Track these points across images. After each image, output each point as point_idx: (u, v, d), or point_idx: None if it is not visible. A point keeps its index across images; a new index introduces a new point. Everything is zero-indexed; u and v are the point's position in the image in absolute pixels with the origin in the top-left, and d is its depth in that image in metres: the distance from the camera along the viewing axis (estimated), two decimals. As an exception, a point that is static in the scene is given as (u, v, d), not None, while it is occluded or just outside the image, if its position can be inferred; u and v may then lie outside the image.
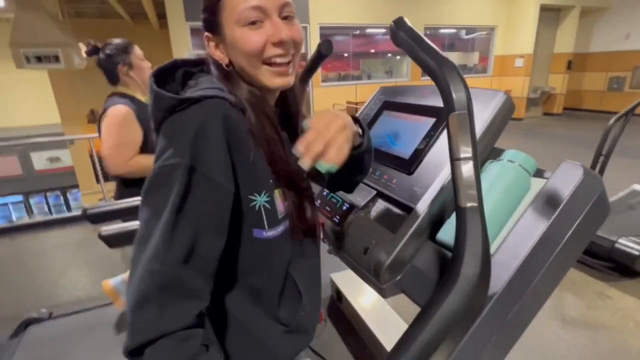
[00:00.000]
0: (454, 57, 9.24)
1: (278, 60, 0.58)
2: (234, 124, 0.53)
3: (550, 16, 8.74)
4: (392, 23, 0.55)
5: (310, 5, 6.81)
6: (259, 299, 0.61)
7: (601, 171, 3.03)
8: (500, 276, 0.49)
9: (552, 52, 9.24)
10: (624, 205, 3.11)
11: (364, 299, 1.98)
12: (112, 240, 0.98)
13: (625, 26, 8.83)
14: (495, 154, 0.66)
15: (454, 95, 0.45)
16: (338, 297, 2.18)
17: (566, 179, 0.50)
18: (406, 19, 0.54)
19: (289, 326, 0.63)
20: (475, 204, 0.45)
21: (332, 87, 7.63)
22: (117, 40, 1.56)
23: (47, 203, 9.84)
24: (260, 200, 0.56)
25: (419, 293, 0.58)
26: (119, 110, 1.46)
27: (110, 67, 1.53)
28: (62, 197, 9.95)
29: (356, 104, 7.05)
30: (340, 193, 0.83)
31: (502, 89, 6.06)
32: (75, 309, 1.91)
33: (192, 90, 0.56)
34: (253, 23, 0.56)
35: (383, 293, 0.64)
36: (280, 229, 0.60)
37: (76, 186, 8.53)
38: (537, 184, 0.58)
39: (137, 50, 1.59)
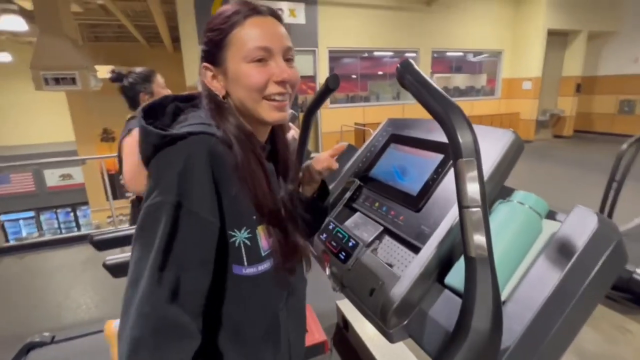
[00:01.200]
0: (461, 79, 9.34)
1: (278, 97, 0.61)
2: (219, 159, 0.54)
3: (557, 40, 8.82)
4: (398, 65, 0.56)
5: (320, 30, 7.00)
6: (239, 339, 0.60)
7: (615, 197, 2.96)
8: (513, 329, 0.46)
9: (560, 75, 9.27)
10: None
11: (371, 327, 1.92)
12: (117, 270, 0.98)
13: (634, 50, 8.85)
14: (505, 193, 0.64)
15: (460, 141, 0.45)
16: (344, 325, 2.12)
17: (580, 226, 0.48)
18: (412, 62, 0.55)
19: None
20: (485, 254, 0.43)
21: (340, 109, 7.72)
22: (140, 69, 1.62)
23: (57, 219, 9.98)
24: (240, 236, 0.56)
25: (427, 340, 0.56)
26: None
27: (132, 95, 1.59)
28: (72, 214, 10.08)
29: (364, 125, 7.10)
30: (346, 227, 0.81)
31: (511, 111, 6.09)
32: (78, 333, 1.89)
33: (180, 125, 0.57)
34: (259, 61, 0.58)
35: (390, 338, 0.62)
36: (262, 267, 0.59)
37: (86, 203, 8.65)
38: (549, 227, 0.56)
39: (159, 79, 1.65)
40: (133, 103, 1.61)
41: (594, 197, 3.02)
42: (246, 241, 0.57)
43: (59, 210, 9.93)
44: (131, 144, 1.49)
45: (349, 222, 0.83)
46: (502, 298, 0.52)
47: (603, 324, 2.23)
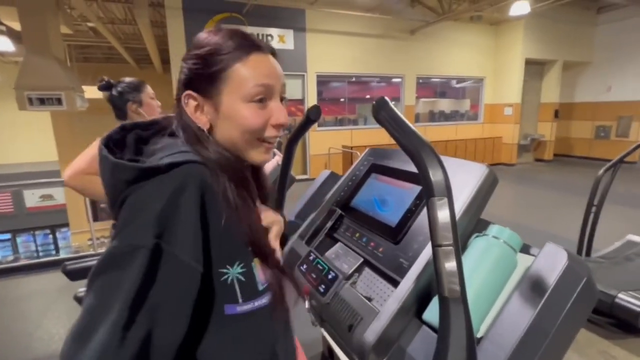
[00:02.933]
0: (446, 103, 9.64)
1: (272, 140, 0.59)
2: (209, 191, 0.49)
3: (535, 69, 9.27)
4: (374, 102, 0.57)
5: (308, 55, 7.19)
6: None
7: (594, 221, 3.04)
8: (490, 368, 0.46)
9: (539, 102, 9.68)
10: (620, 256, 3.07)
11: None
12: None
13: (607, 79, 9.35)
14: (481, 226, 0.65)
15: (432, 180, 0.46)
16: (330, 354, 2.06)
17: (551, 263, 0.49)
18: (387, 99, 0.56)
19: None
20: (458, 294, 0.43)
21: (328, 132, 7.83)
22: (130, 79, 1.61)
23: (35, 242, 9.58)
24: (232, 272, 0.51)
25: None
26: None
27: (120, 104, 1.57)
28: (51, 236, 9.71)
29: (351, 148, 7.19)
30: (326, 258, 0.81)
31: (493, 135, 6.29)
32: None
33: (155, 157, 0.51)
34: (260, 101, 0.55)
35: (368, 376, 0.60)
36: (259, 302, 0.54)
37: (66, 225, 8.37)
38: (523, 261, 0.57)
39: (149, 90, 1.63)
40: (121, 113, 1.59)
41: (575, 219, 3.09)
42: (240, 277, 0.52)
43: (37, 232, 9.55)
44: (94, 147, 1.45)
45: (329, 253, 0.83)
46: (479, 335, 0.52)
47: (588, 350, 2.22)
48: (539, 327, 0.46)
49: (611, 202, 3.34)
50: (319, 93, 7.72)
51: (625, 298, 2.26)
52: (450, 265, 0.43)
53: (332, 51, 7.43)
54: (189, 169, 0.49)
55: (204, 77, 0.55)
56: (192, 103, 0.57)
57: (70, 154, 7.34)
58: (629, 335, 2.27)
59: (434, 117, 9.35)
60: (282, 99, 0.59)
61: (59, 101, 4.49)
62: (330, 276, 0.74)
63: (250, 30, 7.13)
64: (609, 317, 2.35)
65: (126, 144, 0.56)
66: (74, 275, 1.08)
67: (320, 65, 7.36)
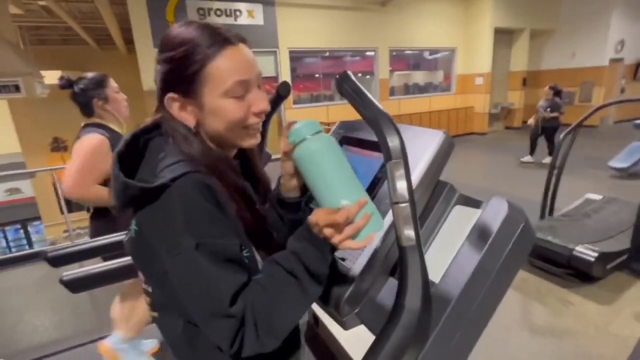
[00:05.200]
0: (420, 75, 9.72)
1: (256, 126, 0.63)
2: (212, 189, 0.54)
3: (504, 38, 9.43)
4: (337, 76, 0.61)
5: (279, 31, 7.01)
6: None
7: (556, 183, 3.25)
8: (443, 306, 0.53)
9: (508, 71, 9.92)
10: (579, 213, 3.32)
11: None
12: (75, 285, 0.96)
13: (571, 46, 9.66)
14: (439, 187, 0.72)
15: (390, 145, 0.51)
16: (315, 321, 2.18)
17: (494, 213, 0.56)
18: (350, 73, 0.60)
19: None
20: (414, 243, 0.49)
21: (304, 109, 7.77)
22: (91, 75, 1.55)
23: (6, 238, 9.20)
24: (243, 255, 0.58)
25: (376, 324, 0.62)
26: (96, 138, 1.46)
27: (84, 101, 1.52)
28: (22, 231, 9.34)
29: (328, 124, 7.20)
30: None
31: (465, 105, 6.44)
32: (35, 356, 1.80)
33: (159, 169, 0.55)
34: (238, 95, 0.58)
35: (344, 325, 0.67)
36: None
37: (38, 218, 8.06)
38: (475, 216, 0.64)
39: (113, 83, 1.58)
40: (87, 110, 1.54)
41: (541, 183, 3.29)
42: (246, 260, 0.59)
43: (7, 228, 9.16)
44: (79, 148, 1.43)
45: (305, 222, 0.88)
46: (437, 280, 0.59)
47: (549, 299, 2.45)
48: (483, 269, 0.53)
49: (573, 165, 3.57)
50: (293, 70, 7.59)
51: (581, 250, 2.49)
52: (406, 219, 0.49)
53: (304, 25, 7.26)
54: (189, 179, 0.53)
55: (182, 79, 0.57)
56: (175, 104, 0.60)
57: (34, 145, 6.96)
58: (584, 283, 2.52)
59: (409, 89, 9.43)
60: (259, 87, 0.62)
61: (16, 88, 4.22)
62: (306, 242, 0.79)
63: (217, 5, 6.84)
64: (568, 269, 2.58)
65: (139, 151, 0.61)
66: (56, 261, 1.09)
67: (292, 40, 7.20)
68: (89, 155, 1.42)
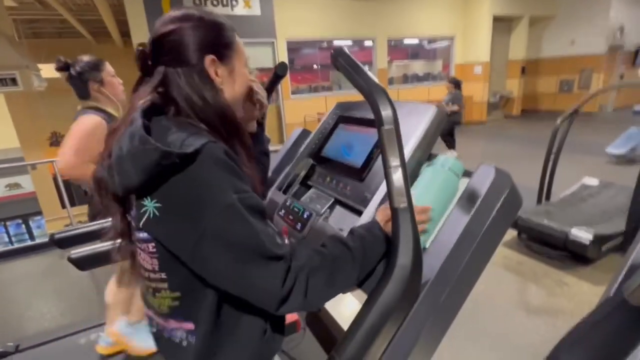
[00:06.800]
0: (419, 65, 9.67)
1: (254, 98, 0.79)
2: (230, 153, 0.59)
3: (502, 26, 9.35)
4: (332, 50, 0.64)
5: (277, 21, 6.95)
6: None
7: (553, 168, 3.28)
8: (433, 265, 0.56)
9: (507, 59, 9.86)
10: (575, 198, 3.36)
11: (342, 306, 2.03)
12: (82, 263, 0.99)
13: (570, 33, 9.60)
14: (433, 158, 0.75)
15: (382, 114, 0.54)
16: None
17: (482, 179, 0.59)
18: (345, 49, 0.63)
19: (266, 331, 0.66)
20: (406, 205, 0.53)
21: (301, 100, 7.76)
22: (87, 58, 1.56)
23: (8, 233, 9.26)
24: None
25: (372, 286, 0.65)
26: (93, 118, 1.47)
27: (80, 84, 1.53)
28: (24, 226, 9.39)
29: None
30: (302, 202, 0.89)
31: (464, 95, 6.27)
32: (43, 340, 1.85)
33: (179, 141, 0.56)
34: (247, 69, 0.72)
35: (341, 290, 0.70)
36: None
37: (39, 213, 8.09)
38: (464, 184, 0.67)
39: (108, 67, 1.60)
40: (83, 93, 1.56)
41: (539, 170, 3.32)
42: None
43: (8, 223, 9.21)
44: (76, 128, 1.44)
45: (304, 198, 0.91)
46: (427, 244, 0.62)
47: (544, 280, 2.50)
48: (471, 230, 0.56)
49: (571, 151, 3.59)
50: (291, 61, 7.55)
51: (576, 233, 2.53)
52: (398, 182, 0.52)
53: (301, 15, 7.20)
54: (210, 146, 0.57)
55: (222, 45, 0.67)
56: (212, 67, 0.66)
57: (33, 139, 6.94)
58: (579, 265, 2.57)
59: (407, 79, 9.40)
60: None
61: (13, 81, 4.21)
62: (305, 215, 0.83)
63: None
64: (564, 251, 2.63)
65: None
66: (62, 243, 1.13)
67: (290, 30, 7.15)
68: (85, 134, 1.43)
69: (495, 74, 9.64)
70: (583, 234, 2.49)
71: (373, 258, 0.61)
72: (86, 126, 1.45)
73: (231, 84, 0.69)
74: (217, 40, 0.67)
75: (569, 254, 2.61)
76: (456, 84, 5.88)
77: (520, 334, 2.01)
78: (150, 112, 0.62)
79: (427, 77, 9.68)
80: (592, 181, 3.62)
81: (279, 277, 0.54)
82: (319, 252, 0.60)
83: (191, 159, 0.54)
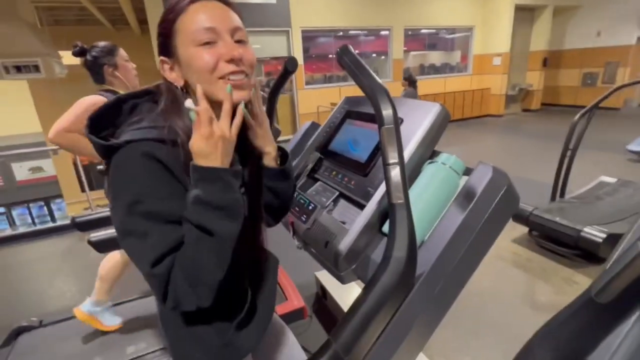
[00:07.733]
0: (437, 56, 9.46)
1: (232, 76, 0.60)
2: (162, 158, 0.57)
3: (524, 15, 9.03)
4: (338, 49, 0.65)
5: (292, 10, 6.90)
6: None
7: (569, 164, 3.21)
8: (429, 259, 0.59)
9: (528, 50, 9.54)
10: (591, 196, 3.29)
11: (347, 294, 2.08)
12: (101, 245, 1.06)
13: (596, 24, 9.20)
14: (435, 155, 0.76)
15: (383, 113, 0.56)
16: (323, 294, 2.28)
17: (480, 177, 0.61)
18: (351, 47, 0.65)
19: (223, 340, 0.66)
20: (402, 201, 0.55)
21: (316, 90, 7.73)
22: (102, 43, 1.66)
23: (31, 214, 9.66)
24: None
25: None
26: (93, 97, 1.55)
27: (96, 68, 1.63)
28: (45, 208, 9.77)
29: (340, 105, 7.15)
30: (308, 195, 0.92)
31: (481, 87, 6.16)
32: (64, 317, 1.96)
33: (129, 129, 0.60)
34: (207, 43, 0.59)
35: (342, 280, 0.74)
36: None
37: (60, 196, 8.40)
38: (463, 181, 0.69)
39: (122, 52, 1.70)
40: (98, 77, 1.66)
41: (554, 166, 3.26)
42: None
43: (31, 205, 9.59)
44: (78, 102, 1.52)
45: (310, 190, 0.94)
46: (424, 238, 0.65)
47: (554, 278, 2.49)
48: (467, 226, 0.58)
49: (589, 147, 3.49)
50: (306, 50, 7.51)
51: (589, 231, 2.49)
52: (396, 178, 0.55)
53: (317, 4, 7.12)
54: (141, 144, 0.57)
55: (164, 39, 0.63)
56: (166, 67, 0.64)
57: (53, 123, 7.16)
58: (591, 264, 2.53)
59: (425, 70, 9.22)
60: (239, 42, 0.61)
61: (36, 68, 4.34)
62: (310, 207, 0.86)
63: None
64: (575, 249, 2.59)
65: (122, 111, 0.64)
66: (82, 226, 1.19)
67: (305, 19, 7.09)
68: (81, 110, 1.51)
69: (515, 65, 9.36)
70: (596, 232, 2.45)
71: (225, 201, 0.56)
72: (84, 103, 1.53)
73: (188, 73, 0.61)
74: (161, 34, 0.63)
75: (580, 253, 2.57)
76: (411, 82, 5.74)
77: (526, 329, 2.00)
78: (150, 93, 0.66)
79: (445, 67, 9.48)
80: (610, 179, 3.53)
81: (159, 294, 0.55)
82: (185, 244, 0.56)
83: (116, 150, 0.57)
